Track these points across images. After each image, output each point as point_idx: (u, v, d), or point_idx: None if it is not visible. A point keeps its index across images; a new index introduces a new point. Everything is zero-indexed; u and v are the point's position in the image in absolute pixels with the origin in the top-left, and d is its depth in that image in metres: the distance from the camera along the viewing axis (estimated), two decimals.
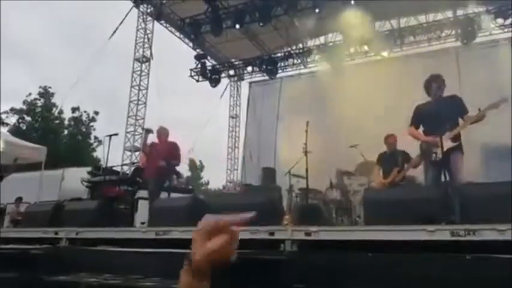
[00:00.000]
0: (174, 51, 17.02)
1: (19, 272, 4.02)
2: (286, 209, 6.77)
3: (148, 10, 13.38)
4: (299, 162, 6.92)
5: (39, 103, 24.86)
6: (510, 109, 4.67)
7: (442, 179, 4.37)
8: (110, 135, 7.32)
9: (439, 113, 4.61)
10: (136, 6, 13.14)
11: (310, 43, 13.97)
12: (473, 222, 2.89)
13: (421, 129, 4.97)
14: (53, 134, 23.59)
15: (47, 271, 3.94)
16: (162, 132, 7.02)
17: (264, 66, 14.60)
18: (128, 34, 13.50)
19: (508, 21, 11.40)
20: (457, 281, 2.66)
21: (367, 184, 6.94)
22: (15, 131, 21.95)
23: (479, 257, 2.67)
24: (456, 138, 4.58)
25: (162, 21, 13.69)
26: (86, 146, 25.97)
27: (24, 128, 23.93)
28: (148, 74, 13.44)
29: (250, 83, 15.88)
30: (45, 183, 11.10)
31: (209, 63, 15.21)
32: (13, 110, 24.27)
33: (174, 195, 7.25)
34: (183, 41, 14.36)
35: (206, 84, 15.00)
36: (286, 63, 14.54)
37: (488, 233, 2.76)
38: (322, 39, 13.78)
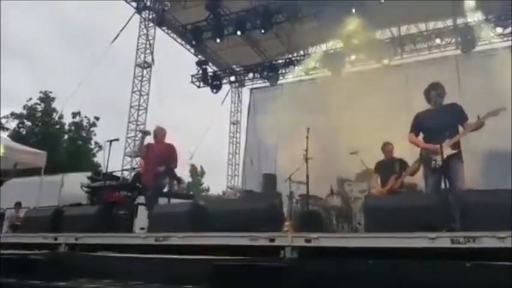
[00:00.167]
0: (176, 57, 17.09)
1: (18, 277, 4.01)
2: (287, 216, 6.78)
3: (150, 16, 13.47)
4: (300, 169, 6.93)
5: (40, 108, 24.89)
6: (510, 116, 4.69)
7: (442, 186, 4.38)
8: (111, 141, 7.31)
9: (439, 121, 4.63)
10: (139, 12, 13.23)
11: (311, 50, 14.02)
12: (474, 230, 2.89)
13: (420, 136, 4.98)
14: (53, 139, 23.56)
15: (46, 277, 3.92)
16: (159, 133, 6.77)
17: (265, 73, 14.66)
18: (130, 40, 13.59)
19: (507, 30, 11.47)
20: None
21: (367, 191, 6.95)
22: (15, 136, 21.96)
23: (479, 264, 2.67)
24: (456, 145, 4.59)
25: (164, 28, 13.77)
26: (86, 151, 25.95)
27: (24, 132, 23.92)
28: (149, 79, 13.52)
29: (251, 89, 15.93)
30: (44, 188, 11.07)
31: (210, 69, 15.27)
32: (13, 115, 24.28)
33: (174, 201, 7.24)
34: (184, 47, 14.44)
35: (207, 90, 15.06)
36: (287, 70, 14.58)
37: (488, 240, 2.76)
38: (323, 46, 13.83)
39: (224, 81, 15.63)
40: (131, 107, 13.21)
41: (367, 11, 10.68)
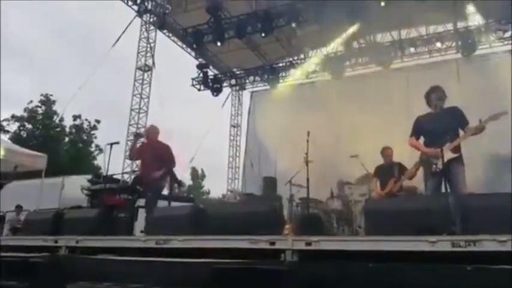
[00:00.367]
0: (176, 60, 17.14)
1: (18, 280, 4.01)
2: (287, 219, 6.77)
3: (151, 20, 13.50)
4: (300, 172, 6.94)
5: (40, 111, 24.92)
6: (510, 120, 4.69)
7: (443, 190, 4.38)
8: (111, 144, 7.30)
9: (440, 125, 4.63)
10: (140, 15, 13.25)
11: (312, 54, 14.05)
12: (474, 233, 2.88)
13: (421, 140, 4.98)
14: (54, 141, 23.59)
15: (47, 279, 3.93)
16: (152, 131, 6.69)
17: (266, 76, 14.69)
18: (131, 43, 13.63)
19: (507, 34, 11.49)
20: None
21: (368, 194, 6.96)
22: (16, 139, 21.98)
23: (480, 268, 2.67)
24: (456, 149, 4.59)
25: (165, 31, 13.80)
26: (86, 154, 25.97)
27: (24, 135, 23.94)
28: (150, 82, 13.53)
29: (252, 92, 15.96)
30: (45, 191, 11.08)
31: (211, 72, 15.29)
32: (14, 118, 24.31)
33: (174, 204, 7.23)
34: (185, 50, 14.47)
35: (208, 93, 15.09)
36: (287, 73, 14.60)
37: (489, 243, 2.76)
38: (323, 50, 13.85)
39: (225, 84, 15.66)
40: (132, 110, 13.22)
41: (368, 15, 10.70)
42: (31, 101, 24.86)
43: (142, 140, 6.84)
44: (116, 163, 12.21)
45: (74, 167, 21.14)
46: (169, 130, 7.28)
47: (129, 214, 7.00)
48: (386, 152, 6.62)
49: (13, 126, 24.34)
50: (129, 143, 12.56)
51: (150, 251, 4.11)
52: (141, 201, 7.20)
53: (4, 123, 23.99)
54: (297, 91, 13.79)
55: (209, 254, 3.66)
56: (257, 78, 15.34)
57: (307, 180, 6.35)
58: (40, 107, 24.93)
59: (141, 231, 6.15)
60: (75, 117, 25.81)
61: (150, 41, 13.58)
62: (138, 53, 13.50)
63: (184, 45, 14.28)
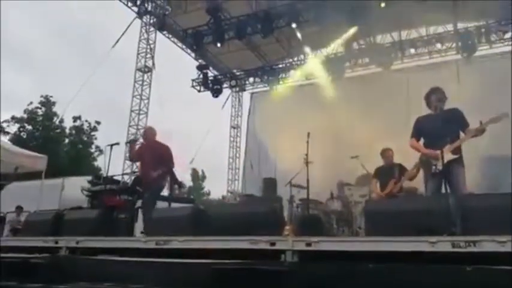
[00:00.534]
0: (176, 61, 17.16)
1: (19, 281, 4.02)
2: (287, 220, 6.77)
3: (151, 21, 13.52)
4: (300, 173, 6.94)
5: (40, 112, 24.93)
6: (510, 121, 4.68)
7: (442, 191, 4.38)
8: (111, 145, 7.31)
9: (440, 126, 4.62)
10: (140, 17, 13.27)
11: (312, 55, 14.05)
12: (474, 234, 2.89)
13: (421, 141, 4.98)
14: (54, 143, 23.58)
15: (47, 280, 3.93)
16: (150, 132, 6.72)
17: (266, 77, 14.69)
18: (131, 44, 13.65)
19: (507, 35, 11.50)
20: None
21: (368, 195, 6.95)
22: (16, 140, 21.96)
23: (480, 269, 2.67)
24: (457, 150, 4.58)
25: (165, 32, 13.82)
26: (86, 155, 25.96)
27: (25, 136, 23.94)
28: (150, 83, 13.54)
29: (252, 93, 15.97)
30: (45, 192, 11.07)
31: (211, 73, 15.31)
32: (14, 119, 24.31)
33: (175, 205, 7.24)
34: (185, 51, 14.48)
35: (208, 94, 15.09)
36: (287, 74, 14.61)
37: (488, 244, 2.76)
38: (323, 51, 13.86)
39: (225, 85, 15.67)
40: (132, 111, 13.24)
41: (368, 16, 10.71)
42: (31, 103, 24.90)
43: (141, 141, 6.84)
44: (116, 164, 12.24)
45: (74, 168, 21.13)
46: (169, 131, 7.29)
47: (129, 215, 7.01)
48: (386, 153, 6.59)
49: (13, 128, 24.37)
50: (128, 145, 12.59)
51: (151, 252, 4.11)
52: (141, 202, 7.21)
53: (4, 125, 24.03)
54: (297, 92, 13.79)
55: (209, 254, 3.67)
56: (257, 79, 15.36)
57: (307, 181, 6.35)
58: (40, 108, 24.93)
59: (141, 232, 6.16)
60: (75, 119, 25.84)
61: (150, 42, 13.60)
62: (138, 54, 13.52)
63: (184, 47, 14.29)
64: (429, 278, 2.80)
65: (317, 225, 5.94)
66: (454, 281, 2.72)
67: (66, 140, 25.69)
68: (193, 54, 14.66)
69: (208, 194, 34.35)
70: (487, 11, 10.85)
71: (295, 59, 14.46)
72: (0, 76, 28.73)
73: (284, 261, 3.37)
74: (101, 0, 20.48)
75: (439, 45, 12.36)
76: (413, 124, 5.08)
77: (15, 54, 61.79)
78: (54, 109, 24.90)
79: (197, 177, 35.02)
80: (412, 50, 12.77)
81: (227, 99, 16.45)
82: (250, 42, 13.78)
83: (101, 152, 25.24)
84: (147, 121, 13.18)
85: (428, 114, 4.98)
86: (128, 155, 12.34)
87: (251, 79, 15.58)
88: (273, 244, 3.47)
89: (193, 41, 13.11)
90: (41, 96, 25.12)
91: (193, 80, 15.08)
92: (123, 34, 13.15)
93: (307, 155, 6.59)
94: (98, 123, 26.54)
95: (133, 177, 10.39)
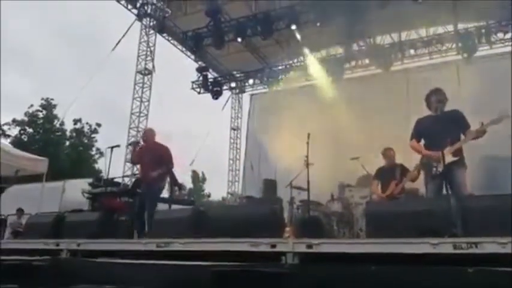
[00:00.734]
0: (176, 63, 17.18)
1: (20, 283, 4.01)
2: (288, 221, 6.76)
3: (151, 23, 13.53)
4: (300, 174, 6.93)
5: (41, 115, 24.95)
6: (511, 122, 4.67)
7: (443, 192, 4.37)
8: (112, 147, 7.32)
9: (440, 128, 4.60)
10: (139, 19, 13.29)
11: (312, 56, 14.05)
12: (476, 235, 2.88)
13: (421, 142, 4.97)
14: (55, 145, 23.60)
15: (48, 283, 3.93)
16: (149, 134, 6.75)
17: (265, 79, 14.69)
18: (131, 46, 13.66)
19: (508, 35, 11.49)
20: None
21: (368, 196, 6.93)
22: (17, 143, 21.98)
23: (482, 270, 2.66)
24: (457, 152, 4.57)
25: (165, 34, 13.83)
26: (87, 157, 25.98)
27: (25, 139, 23.97)
28: (150, 86, 13.56)
29: (252, 95, 15.96)
30: (46, 194, 11.09)
31: (211, 75, 15.32)
32: (15, 122, 24.35)
33: (175, 206, 7.23)
34: (185, 53, 14.48)
35: (208, 96, 15.09)
36: (287, 76, 14.60)
37: (490, 246, 2.75)
38: (323, 52, 13.87)
39: (224, 87, 15.67)
40: (132, 113, 13.26)
41: (368, 16, 10.70)
42: (31, 105, 24.94)
43: (141, 144, 6.85)
44: (117, 166, 12.25)
45: (75, 171, 21.18)
46: (169, 133, 7.29)
47: (130, 217, 7.01)
48: (388, 153, 6.53)
49: (14, 131, 24.42)
50: (130, 147, 12.60)
51: (151, 254, 4.11)
52: None
53: (5, 128, 24.06)
54: (296, 93, 13.77)
55: (210, 256, 3.66)
56: (257, 80, 15.36)
57: (308, 182, 6.33)
58: (41, 111, 24.97)
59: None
60: (75, 121, 25.88)
61: (150, 44, 13.62)
62: (138, 56, 13.54)
63: (184, 49, 14.30)
64: (431, 280, 2.79)
65: (317, 227, 5.94)
66: (456, 283, 2.72)
67: (67, 143, 25.72)
68: (193, 57, 14.67)
69: (209, 195, 34.32)
70: (487, 11, 10.85)
71: (295, 60, 14.46)
72: (0, 79, 28.60)
73: (285, 263, 3.36)
74: (101, 0, 20.41)
75: (439, 46, 12.36)
76: (414, 125, 5.07)
77: (15, 55, 61.92)
78: (55, 112, 24.97)
79: (197, 179, 34.99)
80: (412, 51, 12.76)
81: (227, 101, 16.49)
82: (250, 44, 13.79)
83: (101, 154, 25.31)
84: (148, 123, 13.20)
85: (429, 115, 4.97)
86: (129, 156, 12.38)
87: (251, 81, 15.58)
88: (273, 246, 3.46)
89: (193, 43, 13.12)
90: (42, 98, 25.20)
91: (193, 82, 15.09)
92: (123, 37, 13.19)
93: (307, 156, 6.57)
94: (99, 125, 26.60)
95: (133, 180, 10.40)
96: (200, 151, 15.68)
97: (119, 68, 19.51)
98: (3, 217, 10.37)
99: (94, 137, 26.57)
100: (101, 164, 24.83)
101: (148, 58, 13.55)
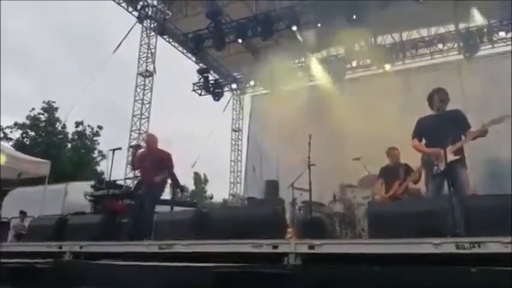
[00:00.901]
0: (177, 65, 17.20)
1: (23, 286, 4.02)
2: (290, 222, 6.76)
3: (152, 26, 13.56)
4: (302, 175, 6.92)
5: (43, 118, 25.02)
6: (510, 122, 4.66)
7: (445, 191, 4.36)
8: (114, 150, 7.32)
9: (441, 127, 4.60)
10: (140, 22, 13.30)
11: (313, 57, 14.04)
12: (478, 235, 2.88)
13: (423, 142, 4.96)
14: (57, 148, 23.67)
15: (51, 285, 3.93)
16: (151, 140, 6.72)
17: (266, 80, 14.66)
18: (131, 48, 13.69)
19: (509, 35, 11.47)
20: None
21: (371, 197, 6.92)
22: (19, 146, 22.06)
23: (484, 270, 2.66)
24: (459, 151, 4.56)
25: (165, 36, 13.85)
26: (89, 160, 26.03)
27: (28, 142, 24.04)
28: (151, 88, 13.57)
29: (253, 96, 15.96)
30: (48, 197, 11.10)
31: (212, 77, 15.31)
32: (17, 125, 24.43)
33: (177, 208, 7.24)
34: (185, 55, 14.49)
35: (209, 98, 15.09)
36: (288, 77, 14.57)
37: (492, 245, 2.75)
38: (324, 53, 13.86)
39: (225, 88, 15.67)
40: (133, 115, 13.28)
41: (369, 17, 10.70)
42: (33, 109, 25.01)
43: (142, 148, 6.85)
44: (119, 169, 12.27)
45: (77, 173, 21.22)
46: (170, 137, 7.28)
47: (132, 219, 7.02)
48: (392, 152, 6.49)
49: (16, 134, 24.50)
50: (131, 150, 12.62)
51: (154, 256, 4.11)
52: None
53: (7, 131, 24.14)
54: (298, 94, 13.77)
55: (212, 258, 3.66)
56: (258, 82, 15.34)
57: (310, 183, 6.32)
58: (43, 114, 25.04)
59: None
60: (77, 124, 25.95)
61: (151, 46, 13.64)
62: (139, 58, 13.56)
63: (184, 50, 14.31)
64: (434, 280, 2.79)
65: (320, 227, 5.93)
66: (459, 283, 2.71)
67: (69, 145, 25.79)
68: (193, 58, 14.68)
69: (211, 197, 34.35)
70: (488, 11, 10.83)
71: (296, 61, 14.45)
72: (0, 79, 28.69)
73: (287, 264, 3.36)
74: (101, 0, 20.38)
75: (440, 46, 12.33)
76: (415, 124, 5.06)
77: (15, 55, 62.09)
78: (57, 114, 25.04)
79: (199, 180, 35.02)
80: (414, 51, 12.74)
81: (228, 102, 16.46)
82: (251, 45, 13.79)
83: (103, 156, 25.36)
84: (149, 125, 13.22)
85: (430, 114, 4.97)
86: (130, 159, 12.39)
87: (252, 82, 15.58)
88: (275, 247, 3.46)
89: (193, 44, 13.12)
90: (43, 102, 25.27)
91: (194, 84, 15.08)
92: (123, 39, 13.20)
93: (309, 157, 6.57)
94: (100, 128, 26.67)
95: (135, 182, 10.42)
96: (202, 153, 15.69)
97: (119, 70, 19.56)
98: (6, 220, 10.40)
99: (96, 140, 26.66)
100: (103, 167, 24.95)
101: (149, 60, 13.57)
